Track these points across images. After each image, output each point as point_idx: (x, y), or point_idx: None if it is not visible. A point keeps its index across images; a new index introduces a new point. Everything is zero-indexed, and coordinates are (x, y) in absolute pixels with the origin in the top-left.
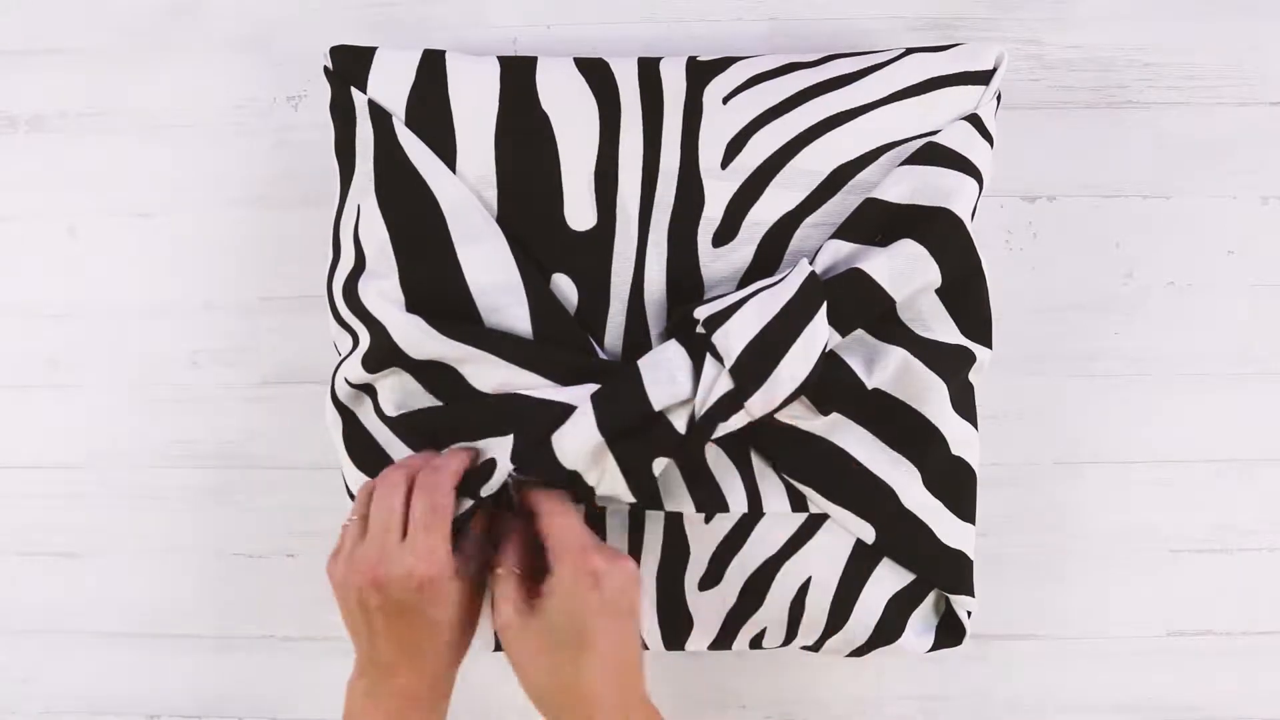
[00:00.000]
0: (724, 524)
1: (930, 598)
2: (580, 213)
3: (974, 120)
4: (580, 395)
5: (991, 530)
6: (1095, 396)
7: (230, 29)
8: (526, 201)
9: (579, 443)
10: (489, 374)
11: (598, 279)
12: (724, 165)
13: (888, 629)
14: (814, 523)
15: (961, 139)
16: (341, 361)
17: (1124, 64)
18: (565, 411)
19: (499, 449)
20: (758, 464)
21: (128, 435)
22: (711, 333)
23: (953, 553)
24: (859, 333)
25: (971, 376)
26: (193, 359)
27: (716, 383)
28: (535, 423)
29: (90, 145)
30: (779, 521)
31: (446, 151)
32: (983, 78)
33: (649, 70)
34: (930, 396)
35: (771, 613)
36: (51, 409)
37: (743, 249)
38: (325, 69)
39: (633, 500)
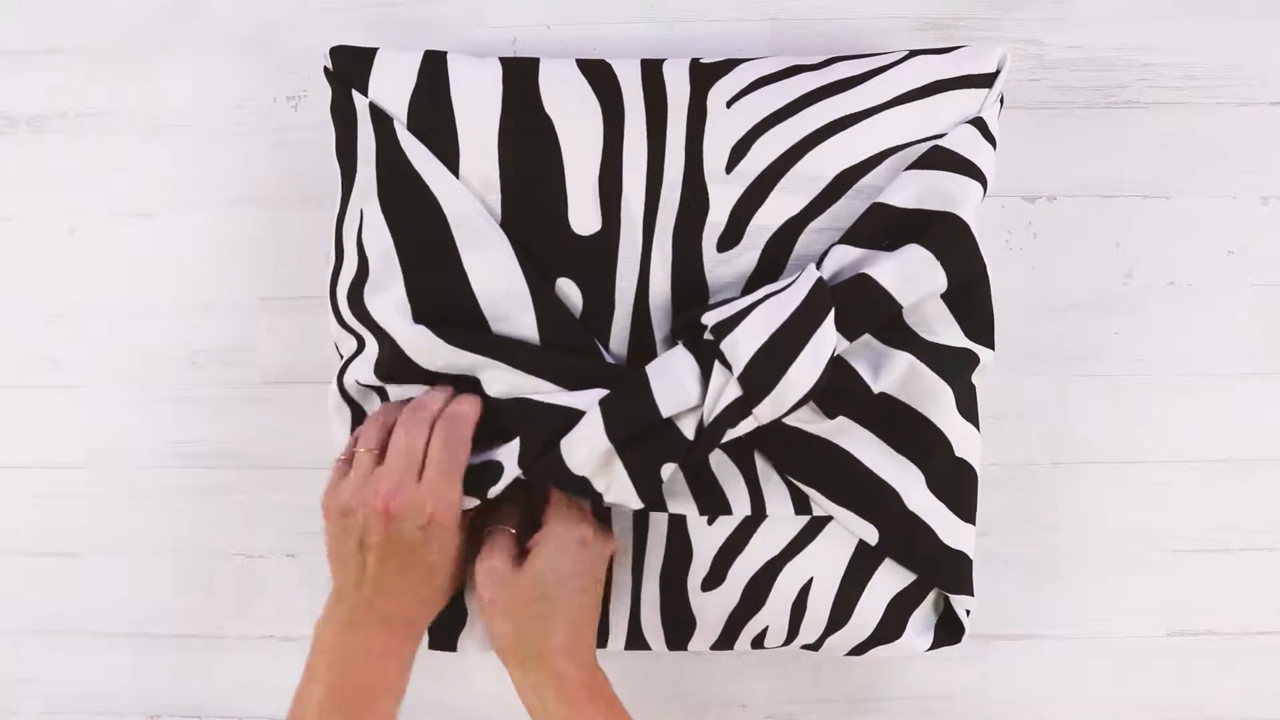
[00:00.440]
0: (727, 526)
1: (930, 597)
2: (584, 217)
3: (978, 124)
4: (588, 400)
5: (991, 530)
6: (1095, 396)
7: (230, 29)
8: (531, 205)
9: (588, 450)
10: (496, 379)
11: (602, 284)
12: (728, 169)
13: (888, 628)
14: (816, 524)
15: (967, 143)
16: (349, 361)
17: (1124, 64)
18: (573, 416)
19: (506, 453)
20: (761, 466)
21: (128, 435)
22: (720, 340)
23: (953, 553)
24: (866, 337)
25: (974, 378)
26: (193, 359)
27: (725, 390)
28: (543, 427)
29: (90, 145)
30: (781, 523)
31: (449, 155)
32: (985, 80)
33: (652, 73)
34: (935, 400)
35: (773, 613)
36: (51, 409)
37: (747, 254)
38: (325, 70)
39: (640, 505)
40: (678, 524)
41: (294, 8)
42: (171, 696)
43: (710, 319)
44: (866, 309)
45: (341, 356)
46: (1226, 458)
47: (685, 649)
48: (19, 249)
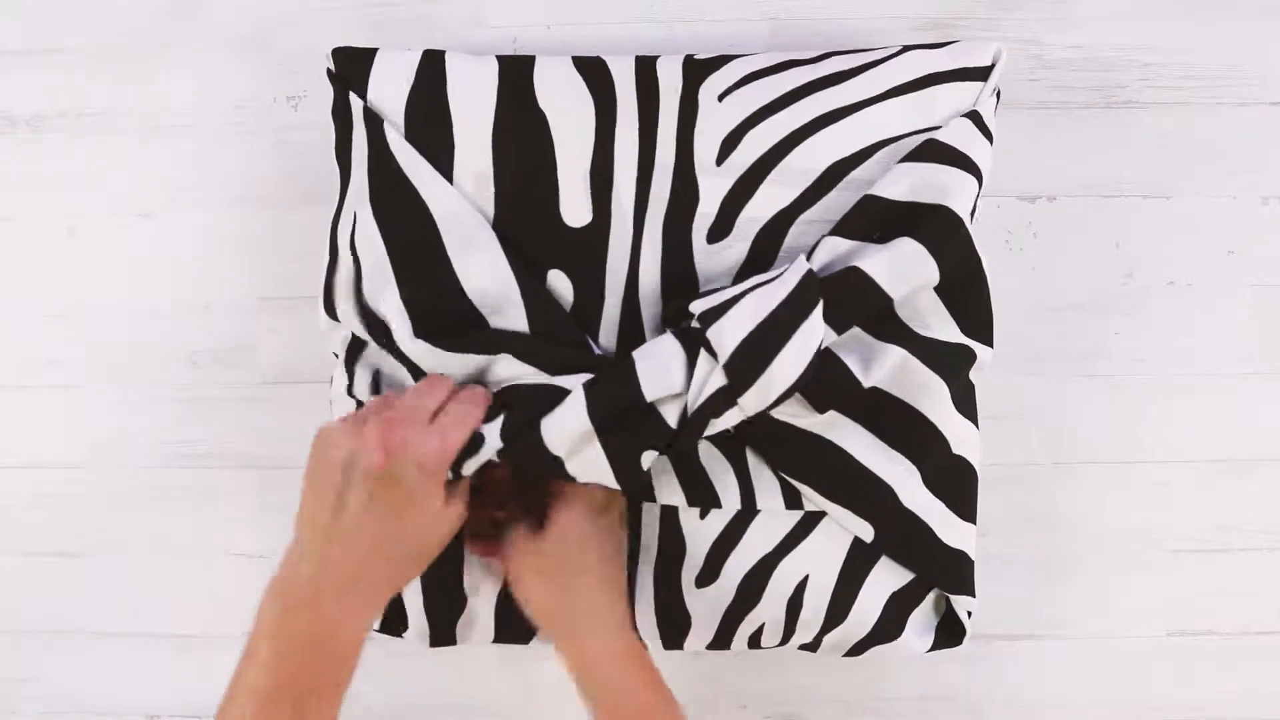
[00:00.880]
0: (720, 520)
1: (930, 597)
2: (576, 209)
3: (974, 117)
4: (576, 382)
5: (991, 530)
6: (1095, 396)
7: (230, 29)
8: (523, 198)
9: (567, 429)
10: (496, 373)
11: (593, 275)
12: (719, 162)
13: (887, 628)
14: (810, 520)
15: (962, 136)
16: (350, 363)
17: (1124, 64)
18: (559, 395)
19: (490, 428)
20: (752, 460)
21: (128, 435)
22: (706, 328)
23: (953, 552)
24: (856, 331)
25: (972, 375)
26: (193, 359)
27: (710, 378)
28: (528, 403)
29: (90, 145)
30: (775, 519)
31: (445, 150)
32: (980, 74)
33: (646, 68)
34: (930, 395)
35: (768, 610)
36: (51, 409)
37: (737, 245)
38: (328, 71)
39: (616, 486)
40: (670, 518)
41: (294, 8)
42: (171, 696)
43: (698, 307)
44: (856, 301)
45: (336, 357)
46: (1226, 458)
47: (681, 648)
48: (19, 249)
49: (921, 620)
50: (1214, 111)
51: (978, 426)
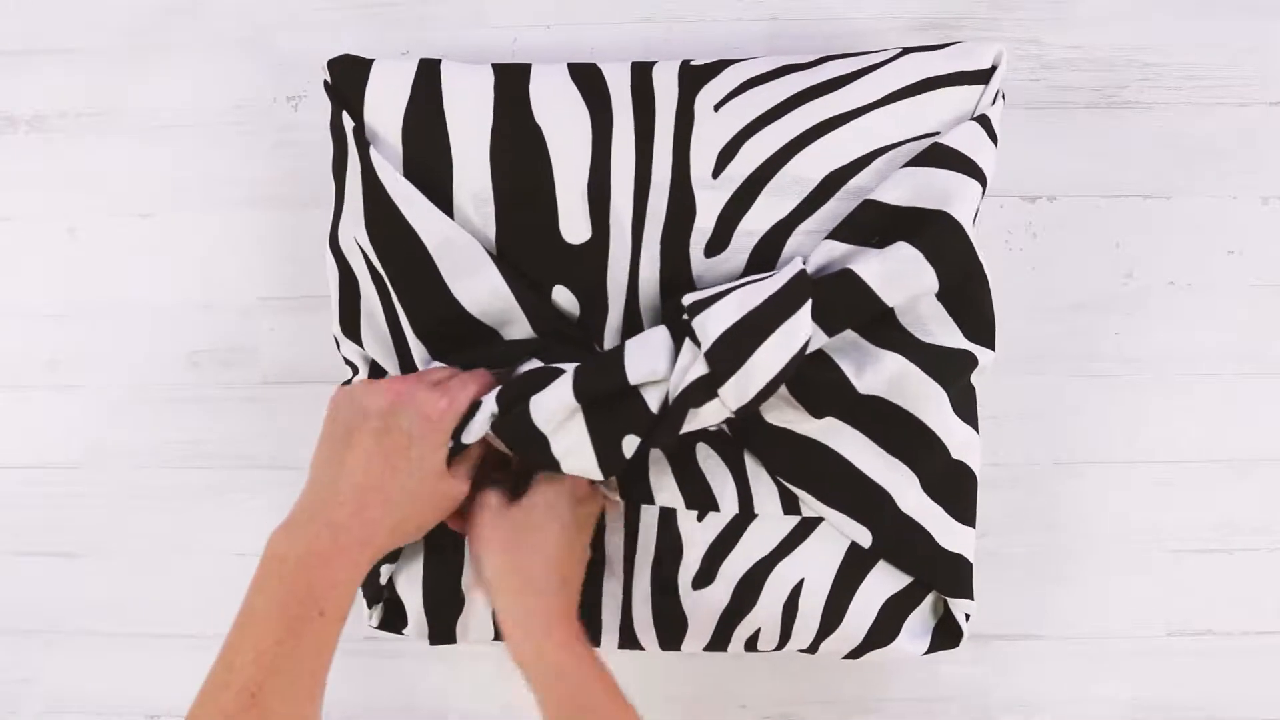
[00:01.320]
0: (717, 523)
1: (929, 599)
2: (575, 226)
3: (983, 121)
4: (570, 366)
5: (991, 530)
6: (1095, 396)
7: (230, 29)
8: (523, 217)
9: (553, 406)
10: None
11: (595, 291)
12: (715, 175)
13: (883, 632)
14: (807, 525)
15: (969, 140)
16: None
17: (1124, 64)
18: (554, 375)
19: (487, 398)
20: (750, 466)
21: (128, 435)
22: (693, 318)
23: (951, 556)
24: (854, 336)
25: (973, 378)
26: (193, 359)
27: (692, 366)
28: (527, 379)
29: (90, 145)
30: (771, 523)
31: (444, 168)
32: (980, 77)
33: (641, 77)
34: (929, 402)
35: (765, 615)
36: (51, 409)
37: (735, 258)
38: (325, 83)
39: (600, 476)
40: (668, 519)
41: (294, 8)
42: (171, 696)
43: (689, 298)
44: (848, 304)
45: (349, 363)
46: (1226, 458)
47: (678, 649)
48: (19, 249)
49: (918, 623)
50: (1214, 111)
51: (978, 430)
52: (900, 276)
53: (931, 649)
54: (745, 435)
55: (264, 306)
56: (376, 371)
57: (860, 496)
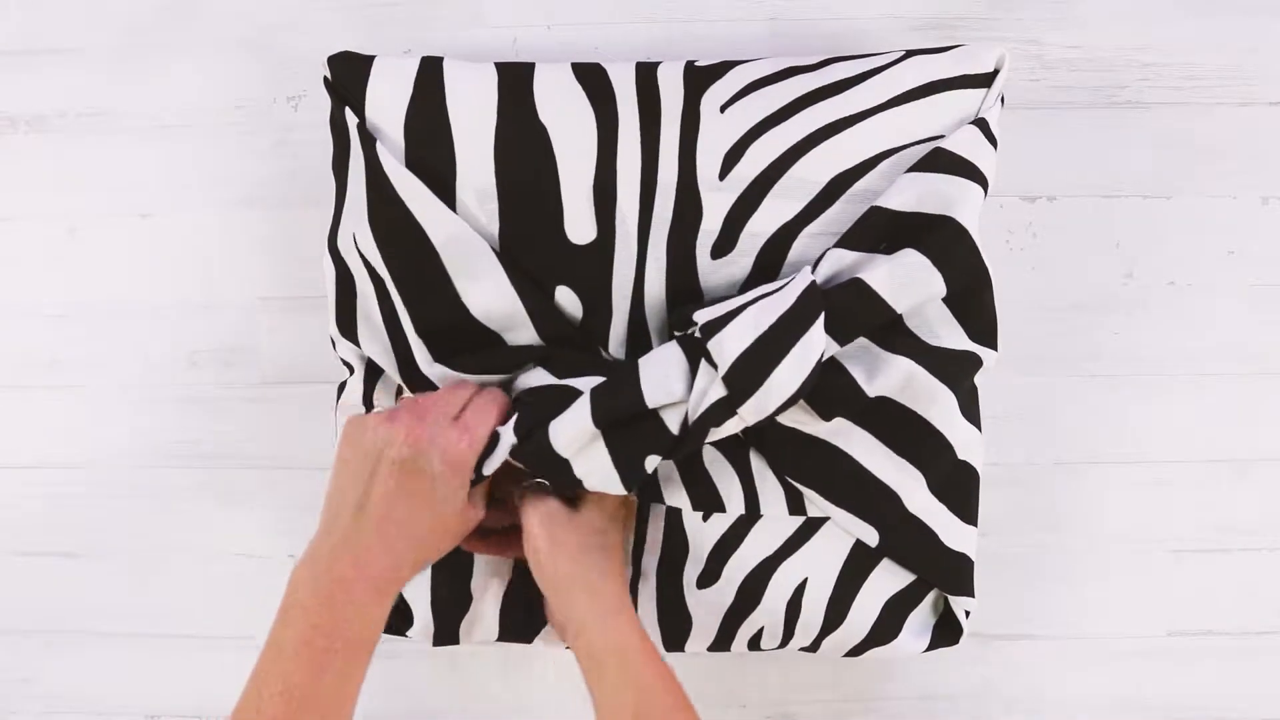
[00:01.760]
0: (722, 522)
1: (929, 598)
2: (580, 226)
3: (981, 125)
4: (586, 384)
5: (991, 530)
6: (1095, 396)
7: (230, 29)
8: (527, 215)
9: (573, 432)
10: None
11: (599, 291)
12: (721, 176)
13: (884, 630)
14: (812, 525)
15: (968, 144)
16: (370, 381)
17: (1124, 64)
18: (569, 396)
19: (504, 429)
20: (757, 465)
21: (128, 435)
22: (707, 339)
23: (955, 555)
24: (864, 341)
25: (976, 378)
26: (193, 359)
27: (710, 389)
28: (542, 402)
29: (90, 145)
30: (777, 522)
31: (447, 166)
32: (983, 80)
33: (646, 77)
34: (937, 404)
35: (768, 613)
36: (51, 409)
37: (741, 260)
38: (325, 80)
39: (624, 492)
40: (674, 519)
41: (294, 8)
42: (171, 696)
43: (701, 316)
44: (859, 314)
45: (345, 364)
46: (1226, 458)
47: (683, 650)
48: (19, 249)
49: (919, 621)
50: (1214, 111)
51: (980, 430)
52: (909, 283)
53: (932, 646)
54: (754, 436)
55: (264, 306)
56: (373, 372)
57: (868, 496)
